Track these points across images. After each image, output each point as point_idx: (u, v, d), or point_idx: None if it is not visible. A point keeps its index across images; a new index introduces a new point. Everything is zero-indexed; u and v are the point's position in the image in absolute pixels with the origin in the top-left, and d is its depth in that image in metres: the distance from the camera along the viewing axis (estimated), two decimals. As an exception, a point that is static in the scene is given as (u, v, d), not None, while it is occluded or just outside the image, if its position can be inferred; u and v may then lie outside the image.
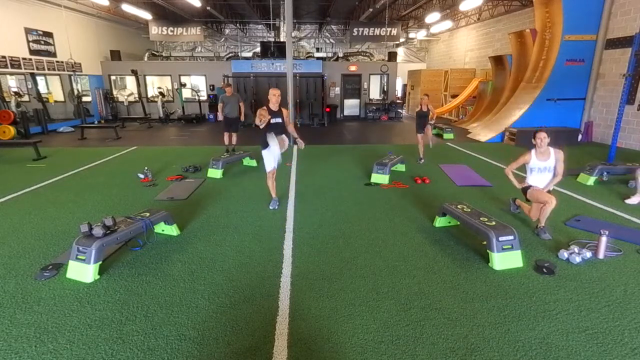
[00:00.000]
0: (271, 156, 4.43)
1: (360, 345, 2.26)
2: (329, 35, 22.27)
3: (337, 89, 15.43)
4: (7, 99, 11.52)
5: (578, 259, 3.21)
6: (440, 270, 3.15)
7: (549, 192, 3.78)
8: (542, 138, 3.66)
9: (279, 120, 4.43)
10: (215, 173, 6.22)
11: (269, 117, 4.32)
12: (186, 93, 15.38)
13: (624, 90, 6.74)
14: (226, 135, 7.96)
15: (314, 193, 5.31)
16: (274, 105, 4.38)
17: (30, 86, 12.24)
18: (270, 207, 4.64)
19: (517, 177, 4.04)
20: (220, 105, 7.76)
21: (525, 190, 3.89)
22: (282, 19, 17.03)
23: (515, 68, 11.30)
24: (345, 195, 5.20)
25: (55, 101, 13.34)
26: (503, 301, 2.69)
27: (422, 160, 7.22)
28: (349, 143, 9.85)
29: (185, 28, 16.17)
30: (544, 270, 3.09)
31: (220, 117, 7.83)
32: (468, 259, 3.33)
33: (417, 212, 4.51)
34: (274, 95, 4.34)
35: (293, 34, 16.47)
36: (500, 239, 3.13)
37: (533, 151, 3.78)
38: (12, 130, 9.55)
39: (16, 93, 12.04)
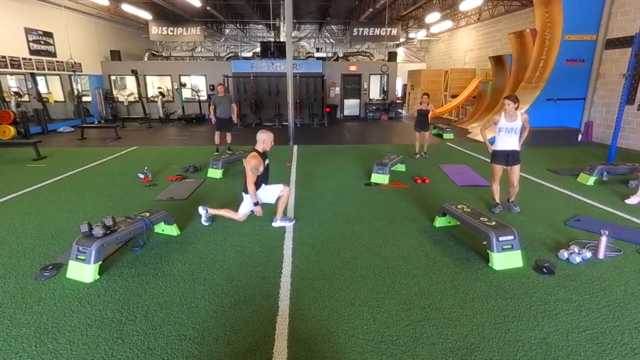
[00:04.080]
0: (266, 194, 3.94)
1: (360, 345, 2.26)
2: (329, 35, 22.28)
3: (337, 89, 15.42)
4: (7, 99, 11.51)
5: (578, 259, 3.21)
6: (440, 270, 3.15)
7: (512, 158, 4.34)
8: (506, 104, 4.22)
9: (268, 161, 3.92)
10: (215, 173, 6.22)
11: (263, 162, 3.78)
12: (186, 93, 15.37)
13: (624, 90, 6.74)
14: (217, 134, 7.90)
15: (314, 193, 5.31)
16: (268, 148, 3.84)
17: (30, 86, 12.23)
18: (290, 223, 4.13)
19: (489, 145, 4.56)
20: (211, 108, 7.71)
21: (492, 158, 4.46)
22: (282, 19, 17.03)
23: (515, 68, 11.29)
24: (345, 195, 5.20)
25: (55, 101, 13.33)
26: (503, 301, 2.69)
27: (418, 155, 7.66)
28: (349, 143, 9.85)
29: (185, 28, 16.17)
30: (544, 270, 3.09)
31: (213, 119, 7.78)
32: (468, 259, 3.33)
33: (417, 212, 4.51)
34: (270, 140, 3.78)
35: (293, 34, 16.46)
36: (500, 239, 3.13)
37: (503, 113, 4.32)
38: (12, 130, 9.55)
39: (16, 93, 12.04)
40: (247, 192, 3.85)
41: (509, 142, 4.27)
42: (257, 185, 3.82)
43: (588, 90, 9.61)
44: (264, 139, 3.77)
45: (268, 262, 3.30)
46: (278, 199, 4.02)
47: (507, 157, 4.30)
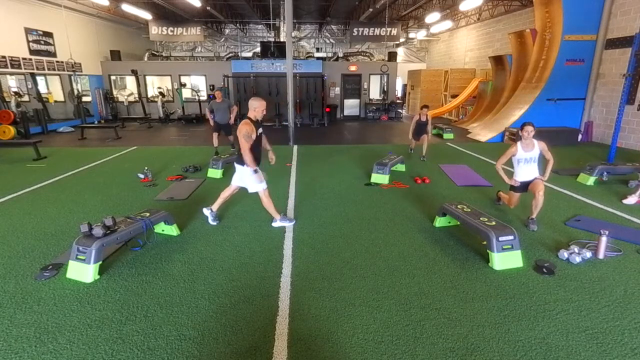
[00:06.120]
0: (262, 172, 3.93)
1: (360, 345, 2.26)
2: (329, 35, 22.26)
3: (337, 89, 15.42)
4: (7, 99, 11.52)
5: (578, 259, 3.22)
6: (440, 270, 3.15)
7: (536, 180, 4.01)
8: (529, 131, 3.87)
9: (261, 130, 3.83)
10: (215, 173, 6.22)
11: (256, 130, 3.70)
12: (186, 93, 15.37)
13: (624, 90, 6.74)
14: (215, 135, 7.89)
15: (314, 193, 5.31)
16: (260, 116, 3.77)
17: (30, 86, 12.23)
18: (290, 223, 4.12)
19: (507, 173, 4.17)
20: (209, 114, 7.70)
21: (512, 188, 4.16)
22: (282, 19, 17.03)
23: (515, 68, 11.29)
24: (345, 195, 5.20)
25: (55, 101, 13.33)
26: (503, 301, 2.69)
27: (412, 151, 8.00)
28: (349, 143, 9.85)
29: (185, 28, 16.17)
30: (544, 270, 3.09)
31: (211, 122, 7.77)
32: (468, 259, 3.33)
33: (417, 212, 4.51)
34: (261, 108, 3.71)
35: (293, 34, 16.46)
36: (500, 239, 3.13)
37: (519, 143, 3.99)
38: (12, 130, 9.55)
39: (16, 93, 12.04)
40: (239, 163, 3.81)
41: (529, 171, 4.00)
42: (253, 154, 3.70)
43: (588, 90, 9.62)
44: (256, 106, 3.69)
45: (268, 262, 3.30)
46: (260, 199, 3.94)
47: (528, 185, 4.03)
